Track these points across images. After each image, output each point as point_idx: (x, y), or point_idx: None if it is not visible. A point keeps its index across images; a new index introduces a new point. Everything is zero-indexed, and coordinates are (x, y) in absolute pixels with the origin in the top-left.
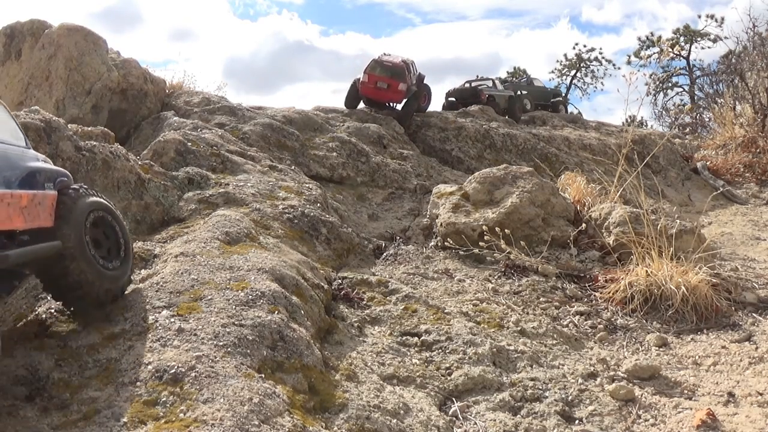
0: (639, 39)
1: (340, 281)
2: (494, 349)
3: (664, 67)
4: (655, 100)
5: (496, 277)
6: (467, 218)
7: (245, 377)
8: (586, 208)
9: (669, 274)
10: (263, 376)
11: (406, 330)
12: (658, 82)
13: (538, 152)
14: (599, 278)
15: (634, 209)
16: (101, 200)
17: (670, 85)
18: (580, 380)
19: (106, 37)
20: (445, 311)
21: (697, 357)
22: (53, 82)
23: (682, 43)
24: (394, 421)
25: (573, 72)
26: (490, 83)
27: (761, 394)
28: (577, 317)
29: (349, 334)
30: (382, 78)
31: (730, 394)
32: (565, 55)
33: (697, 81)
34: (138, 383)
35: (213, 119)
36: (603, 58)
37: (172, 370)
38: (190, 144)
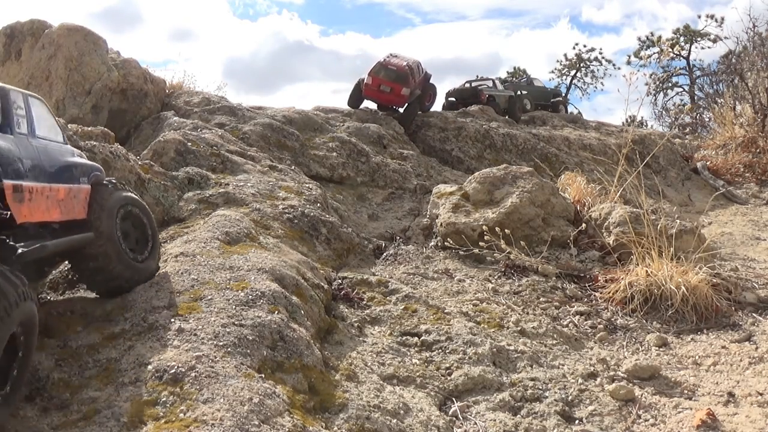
0: (639, 39)
1: (340, 281)
2: (494, 349)
3: (664, 67)
4: (655, 100)
5: (496, 277)
6: (467, 218)
7: (245, 377)
8: (586, 208)
9: (669, 274)
10: (263, 376)
11: (406, 330)
12: (658, 82)
13: (538, 152)
14: (599, 278)
15: (634, 209)
16: (131, 195)
17: (670, 85)
18: (580, 380)
19: (106, 37)
20: (445, 311)
21: (697, 357)
22: (53, 82)
23: (682, 43)
24: (394, 421)
25: (573, 72)
26: (490, 83)
27: (761, 394)
28: (577, 317)
29: (349, 334)
30: (385, 81)
31: (730, 394)
32: (565, 55)
33: (697, 81)
34: (138, 383)
35: (213, 119)
36: (603, 58)
37: (172, 370)
38: (190, 144)
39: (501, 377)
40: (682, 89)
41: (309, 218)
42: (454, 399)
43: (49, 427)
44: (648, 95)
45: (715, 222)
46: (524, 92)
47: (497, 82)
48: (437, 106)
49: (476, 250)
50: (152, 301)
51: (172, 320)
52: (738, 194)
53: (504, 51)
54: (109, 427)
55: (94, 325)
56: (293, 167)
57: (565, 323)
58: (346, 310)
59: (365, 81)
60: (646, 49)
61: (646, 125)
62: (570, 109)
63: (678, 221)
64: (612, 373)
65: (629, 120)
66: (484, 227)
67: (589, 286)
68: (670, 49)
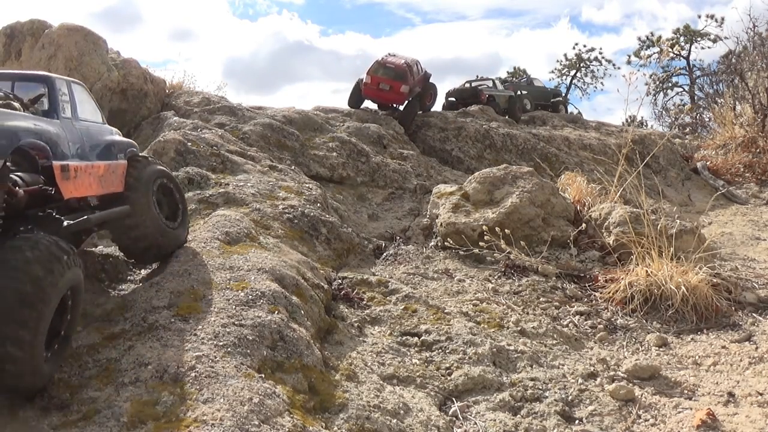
0: (639, 39)
1: (340, 281)
2: (494, 349)
3: (664, 67)
4: (655, 100)
5: (496, 277)
6: (467, 218)
7: (245, 377)
8: (586, 208)
9: (669, 274)
10: (263, 376)
11: (406, 330)
12: (658, 82)
13: (538, 152)
14: (599, 278)
15: (634, 209)
16: (164, 168)
17: (670, 85)
18: (580, 380)
19: (106, 37)
20: (445, 311)
21: (697, 357)
22: None
23: (682, 43)
24: (394, 421)
25: (573, 72)
26: (490, 83)
27: (761, 394)
28: (577, 317)
29: (349, 334)
30: (384, 80)
31: (730, 394)
32: (565, 55)
33: (697, 81)
34: (138, 383)
35: (213, 119)
36: (603, 58)
37: (172, 370)
38: (190, 144)
39: (501, 377)
40: (682, 89)
41: (309, 218)
42: (454, 399)
43: (49, 427)
44: (648, 95)
45: (715, 222)
46: (524, 92)
47: (497, 82)
48: (437, 106)
49: (476, 250)
50: (152, 301)
51: (172, 320)
52: (738, 194)
53: (504, 51)
54: (109, 427)
55: (94, 325)
56: (293, 167)
57: (565, 323)
58: (346, 310)
59: (364, 80)
60: (646, 49)
61: (646, 125)
62: (570, 109)
63: (678, 221)
64: (612, 373)
65: (629, 120)
66: (484, 227)
67: (589, 286)
68: (670, 49)
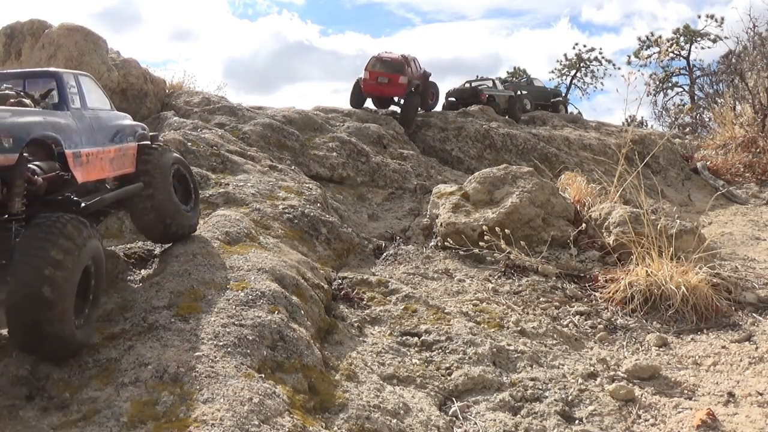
0: (639, 39)
1: (340, 281)
2: (494, 349)
3: (664, 67)
4: (655, 100)
5: (496, 277)
6: (467, 218)
7: (245, 377)
8: (586, 208)
9: (669, 274)
10: (263, 376)
11: (406, 330)
12: (658, 82)
13: (538, 152)
14: (599, 278)
15: (634, 209)
16: (179, 156)
17: (670, 85)
18: (580, 380)
19: (106, 37)
20: (445, 311)
21: (697, 357)
22: None
23: (682, 43)
24: (394, 421)
25: (573, 72)
26: (490, 83)
27: (761, 394)
28: (577, 317)
29: (349, 334)
30: (382, 73)
31: (730, 394)
32: (565, 55)
33: (697, 81)
34: (138, 383)
35: (213, 119)
36: (603, 58)
37: (172, 370)
38: (190, 144)
39: (501, 377)
40: (682, 89)
41: (309, 218)
42: (454, 399)
43: (49, 427)
44: (648, 95)
45: (715, 222)
46: (524, 92)
47: (497, 82)
48: (437, 106)
49: (476, 250)
50: (152, 301)
51: (172, 320)
52: (738, 194)
53: (504, 51)
54: (109, 427)
55: (94, 325)
56: (293, 167)
57: (565, 323)
58: (346, 310)
59: (363, 77)
60: (646, 49)
61: (646, 125)
62: (570, 109)
63: (678, 221)
64: (612, 373)
65: (629, 120)
66: (484, 227)
67: (589, 286)
68: (669, 49)
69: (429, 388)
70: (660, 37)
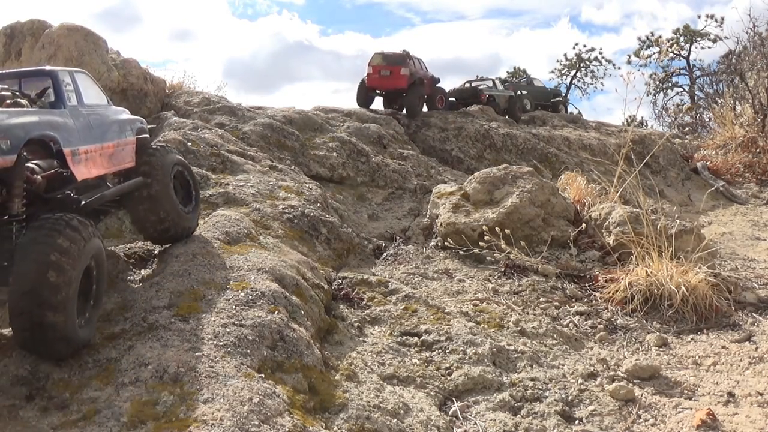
0: (639, 39)
1: (340, 281)
2: (494, 349)
3: (664, 67)
4: (655, 100)
5: (496, 277)
6: (467, 218)
7: (245, 377)
8: (586, 208)
9: (669, 274)
10: (263, 376)
11: (406, 330)
12: (657, 82)
13: (538, 152)
14: (599, 278)
15: (634, 209)
16: (181, 158)
17: (670, 85)
18: (580, 380)
19: (106, 37)
20: (445, 311)
21: (697, 357)
22: None
23: (682, 43)
24: (394, 421)
25: (573, 72)
26: (490, 83)
27: (761, 394)
28: (577, 317)
29: (349, 334)
30: (384, 66)
31: (730, 394)
32: (565, 55)
33: (697, 81)
34: (138, 383)
35: (213, 119)
36: (603, 58)
37: (172, 370)
38: (190, 144)
39: (501, 377)
40: (682, 89)
41: (309, 218)
42: (454, 399)
43: (49, 427)
44: (648, 95)
45: (715, 222)
46: (524, 92)
47: (497, 82)
48: None
49: (476, 250)
50: (152, 301)
51: (172, 320)
52: (738, 194)
53: (504, 51)
54: (109, 427)
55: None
56: (293, 167)
57: (565, 323)
58: (346, 310)
59: (367, 72)
60: (646, 49)
61: (646, 125)
62: (570, 109)
63: (678, 221)
64: (612, 373)
65: (629, 120)
66: (484, 227)
67: (589, 286)
68: (669, 49)
69: (429, 388)
70: (660, 37)
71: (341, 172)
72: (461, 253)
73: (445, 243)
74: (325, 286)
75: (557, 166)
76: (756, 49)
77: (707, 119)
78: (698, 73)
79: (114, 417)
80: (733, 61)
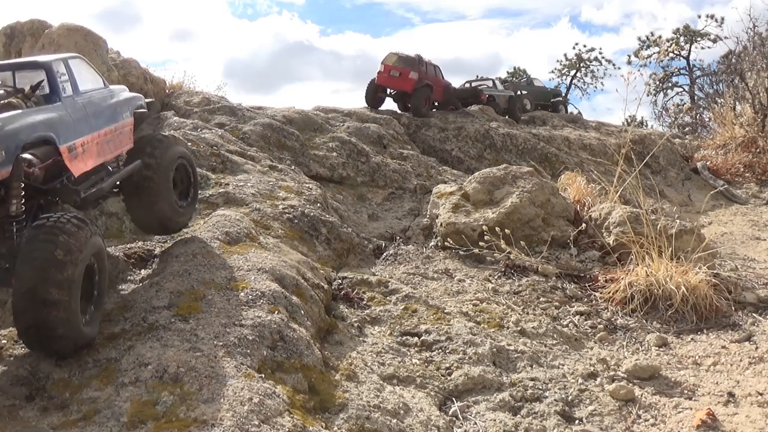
0: (639, 39)
1: (340, 281)
2: (494, 349)
3: (664, 67)
4: (655, 100)
5: (496, 277)
6: (467, 218)
7: (245, 377)
8: (586, 208)
9: (669, 274)
10: (263, 376)
11: (406, 330)
12: (657, 82)
13: (538, 152)
14: (599, 278)
15: (634, 209)
16: (185, 150)
17: (670, 85)
18: (580, 380)
19: (106, 37)
20: (445, 311)
21: (697, 357)
22: None
23: (682, 43)
24: (394, 421)
25: (573, 72)
26: (490, 83)
27: (761, 394)
28: (577, 317)
29: (349, 334)
30: (395, 67)
31: (730, 394)
32: (565, 55)
33: (697, 81)
34: (138, 383)
35: (213, 119)
36: (603, 58)
37: (172, 370)
38: (190, 144)
39: (501, 377)
40: (682, 89)
41: (309, 218)
42: (454, 399)
43: (49, 427)
44: (648, 95)
45: (715, 222)
46: (524, 92)
47: (497, 82)
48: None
49: (476, 250)
50: (152, 301)
51: (172, 320)
52: (738, 194)
53: (504, 51)
54: (109, 427)
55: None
56: (293, 167)
57: (565, 323)
58: (346, 310)
59: (378, 69)
60: (645, 49)
61: (646, 125)
62: (570, 109)
63: (678, 221)
64: (612, 373)
65: (629, 120)
66: (484, 227)
67: (589, 286)
68: (669, 49)
69: (429, 388)
70: (660, 37)
71: (341, 172)
72: (461, 253)
73: (445, 243)
74: (325, 286)
75: (557, 166)
76: (756, 49)
77: (707, 119)
78: (698, 73)
79: (114, 417)
80: (733, 61)
